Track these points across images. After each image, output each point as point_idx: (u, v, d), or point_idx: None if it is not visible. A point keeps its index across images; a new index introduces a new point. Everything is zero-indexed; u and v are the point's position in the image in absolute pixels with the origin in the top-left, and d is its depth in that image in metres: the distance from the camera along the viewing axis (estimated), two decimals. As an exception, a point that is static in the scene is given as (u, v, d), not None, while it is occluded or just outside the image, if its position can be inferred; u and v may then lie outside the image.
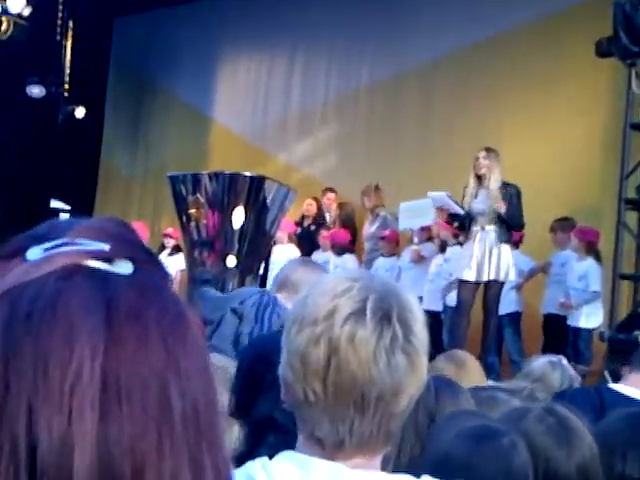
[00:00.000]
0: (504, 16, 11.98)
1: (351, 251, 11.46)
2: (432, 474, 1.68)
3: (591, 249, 9.55)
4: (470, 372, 4.20)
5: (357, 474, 1.60)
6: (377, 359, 1.56)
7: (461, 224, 9.49)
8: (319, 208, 12.38)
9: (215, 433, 0.78)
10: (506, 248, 9.22)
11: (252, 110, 14.84)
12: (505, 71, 11.89)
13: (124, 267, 0.78)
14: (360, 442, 1.60)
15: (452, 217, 9.57)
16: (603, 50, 9.28)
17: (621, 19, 8.60)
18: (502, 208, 9.12)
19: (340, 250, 11.28)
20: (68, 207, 17.43)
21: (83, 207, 16.09)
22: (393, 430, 1.62)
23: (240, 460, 1.68)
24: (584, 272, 9.48)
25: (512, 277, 9.35)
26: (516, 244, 10.23)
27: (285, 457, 1.64)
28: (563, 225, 9.94)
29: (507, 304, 9.92)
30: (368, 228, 11.52)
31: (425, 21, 12.75)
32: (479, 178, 9.29)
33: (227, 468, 0.79)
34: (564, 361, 4.67)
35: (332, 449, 1.62)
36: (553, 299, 9.82)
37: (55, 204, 17.42)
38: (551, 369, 4.49)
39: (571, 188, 10.73)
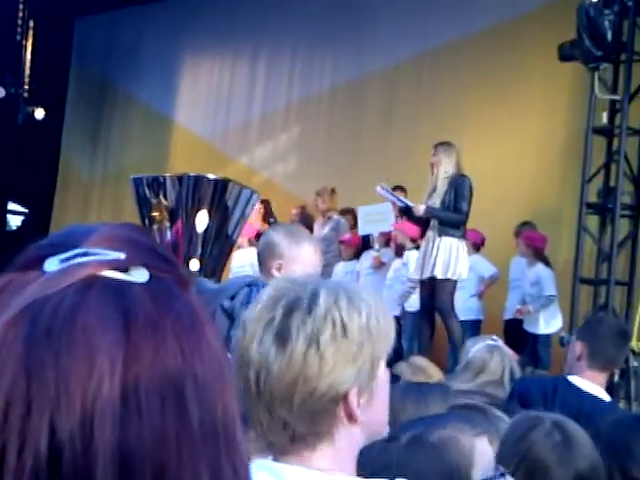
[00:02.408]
0: (466, 20, 12.06)
1: None
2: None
3: (538, 255, 9.61)
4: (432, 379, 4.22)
5: (324, 477, 1.65)
6: (255, 340, 1.65)
7: (416, 217, 9.29)
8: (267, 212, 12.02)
9: (232, 437, 0.80)
10: (448, 242, 8.93)
11: (214, 113, 14.82)
12: (466, 75, 11.96)
13: (140, 275, 0.79)
14: (263, 434, 1.68)
15: (403, 211, 9.48)
16: (566, 54, 9.33)
17: (585, 23, 8.66)
18: (420, 211, 8.96)
19: None
20: (26, 210, 17.27)
21: (41, 210, 15.96)
22: (290, 421, 1.66)
23: None
24: (535, 278, 9.55)
25: (464, 275, 9.08)
26: (477, 247, 10.26)
27: (259, 465, 1.67)
28: (517, 230, 10.02)
29: (467, 311, 9.94)
30: (319, 230, 11.41)
31: (386, 25, 12.79)
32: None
33: (245, 470, 0.81)
34: (499, 342, 4.73)
35: (271, 447, 1.69)
36: (513, 305, 9.86)
37: (12, 206, 17.25)
38: (490, 356, 4.57)
39: (531, 192, 10.81)
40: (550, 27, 10.42)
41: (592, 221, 9.28)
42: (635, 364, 8.29)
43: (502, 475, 2.16)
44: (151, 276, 0.79)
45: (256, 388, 1.64)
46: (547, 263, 9.66)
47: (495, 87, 11.69)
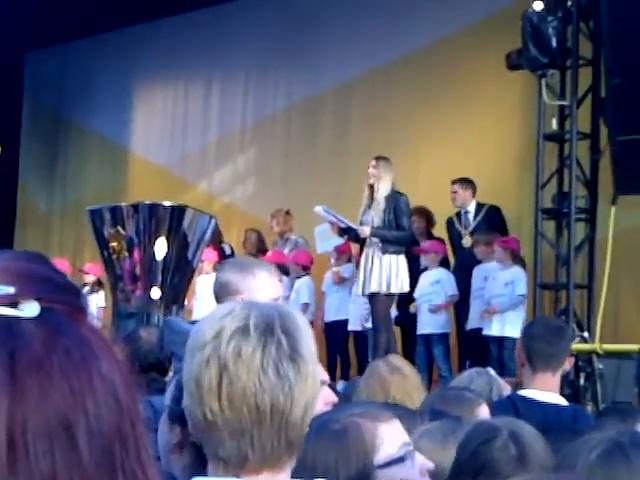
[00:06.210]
0: (416, 33, 12.14)
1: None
2: None
3: (516, 257, 9.57)
4: (409, 377, 4.24)
5: None
6: (265, 368, 1.64)
7: (355, 237, 9.41)
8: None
9: (135, 468, 0.78)
10: (389, 259, 9.04)
11: (170, 140, 14.79)
12: (420, 89, 12.03)
13: (30, 309, 0.77)
14: (263, 455, 1.66)
15: (343, 231, 9.55)
16: (513, 62, 9.43)
17: (529, 31, 8.74)
18: (366, 233, 9.07)
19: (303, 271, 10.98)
20: (-13, 247, 17.13)
21: (1, 246, 15.81)
22: (294, 440, 1.68)
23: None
24: (511, 279, 9.41)
25: (405, 289, 9.20)
26: (443, 263, 10.24)
27: None
28: (486, 238, 9.94)
29: (436, 324, 9.90)
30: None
31: (338, 42, 12.84)
32: (371, 188, 9.30)
33: None
34: (491, 371, 4.78)
35: (237, 466, 1.67)
36: (477, 315, 9.81)
37: (-27, 244, 17.10)
38: (477, 376, 4.60)
39: (489, 201, 10.84)
40: (499, 36, 10.50)
41: (549, 226, 9.34)
42: (600, 366, 8.33)
43: (402, 459, 2.17)
44: (43, 309, 0.78)
45: (270, 415, 1.64)
46: (523, 265, 9.63)
47: (449, 99, 11.76)
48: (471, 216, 10.25)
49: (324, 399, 1.99)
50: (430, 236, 10.68)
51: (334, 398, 2.82)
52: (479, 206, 10.29)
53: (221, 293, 3.71)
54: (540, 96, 9.12)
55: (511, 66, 9.60)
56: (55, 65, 16.03)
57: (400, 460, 2.16)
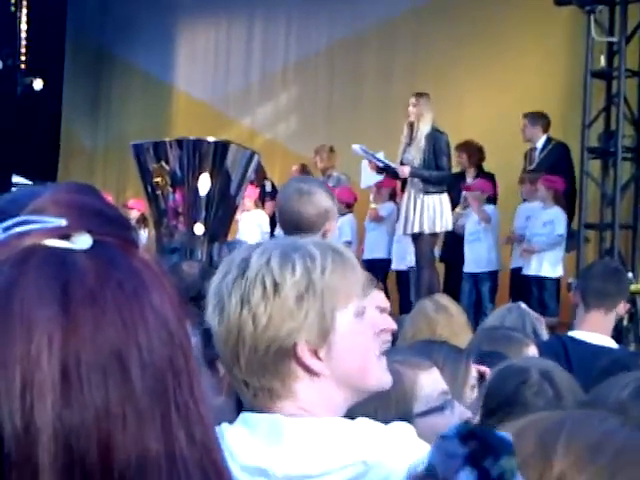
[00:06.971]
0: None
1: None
2: None
3: (558, 198, 9.43)
4: (455, 316, 4.25)
5: (293, 421, 1.69)
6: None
7: (394, 175, 9.35)
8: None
9: (187, 401, 0.78)
10: (432, 199, 9.02)
11: (213, 76, 14.78)
12: (464, 24, 11.88)
13: (82, 242, 0.77)
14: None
15: (382, 169, 9.47)
16: (562, -2, 9.30)
17: (579, -35, 8.62)
18: (405, 173, 9.01)
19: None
20: (30, 182, 17.27)
21: (45, 181, 15.89)
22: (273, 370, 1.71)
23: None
24: (550, 218, 9.29)
25: (449, 227, 9.18)
26: (492, 200, 10.13)
27: (239, 419, 1.75)
28: (532, 176, 9.76)
29: (487, 263, 9.82)
30: None
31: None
32: (411, 126, 9.20)
33: (206, 434, 0.79)
34: (522, 305, 4.78)
35: (253, 400, 1.74)
36: (519, 253, 9.73)
37: (17, 179, 17.25)
38: (508, 313, 4.61)
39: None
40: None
41: (594, 166, 9.25)
42: (644, 307, 8.31)
43: (441, 408, 2.17)
44: (95, 242, 0.77)
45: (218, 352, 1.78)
46: (564, 208, 9.47)
47: (492, 36, 11.62)
48: (537, 152, 9.96)
49: (388, 325, 1.98)
50: (481, 170, 10.52)
51: (394, 325, 2.86)
52: (547, 142, 9.94)
53: (321, 219, 3.62)
54: (588, 32, 8.98)
55: (559, 2, 9.44)
56: (98, 1, 16.01)
57: (440, 409, 2.18)
